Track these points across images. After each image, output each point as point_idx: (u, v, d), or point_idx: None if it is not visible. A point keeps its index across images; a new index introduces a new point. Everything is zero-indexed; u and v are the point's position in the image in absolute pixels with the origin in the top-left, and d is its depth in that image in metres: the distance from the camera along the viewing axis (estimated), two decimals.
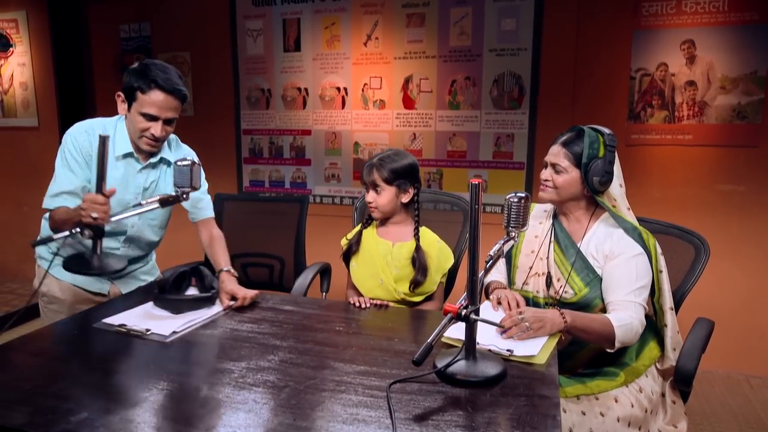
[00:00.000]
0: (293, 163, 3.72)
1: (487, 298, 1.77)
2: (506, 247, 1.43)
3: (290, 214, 2.50)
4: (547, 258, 1.74)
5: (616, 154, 1.64)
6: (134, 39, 3.94)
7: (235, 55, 3.71)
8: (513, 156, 3.25)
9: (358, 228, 2.04)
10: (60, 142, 1.81)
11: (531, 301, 1.73)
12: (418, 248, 1.89)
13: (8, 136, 4.40)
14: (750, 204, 2.93)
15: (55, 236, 1.52)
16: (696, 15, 2.85)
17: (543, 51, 3.10)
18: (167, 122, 1.78)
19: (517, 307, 1.57)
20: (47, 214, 1.92)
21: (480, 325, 1.32)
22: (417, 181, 1.94)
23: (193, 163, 1.62)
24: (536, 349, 1.40)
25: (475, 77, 3.24)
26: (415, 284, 1.87)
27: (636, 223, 1.67)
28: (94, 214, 1.49)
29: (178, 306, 1.69)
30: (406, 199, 1.92)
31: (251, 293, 1.79)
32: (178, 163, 1.61)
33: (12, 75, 4.30)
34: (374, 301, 1.83)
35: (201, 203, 2.00)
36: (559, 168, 1.67)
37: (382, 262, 1.91)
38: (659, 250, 1.66)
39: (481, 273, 1.33)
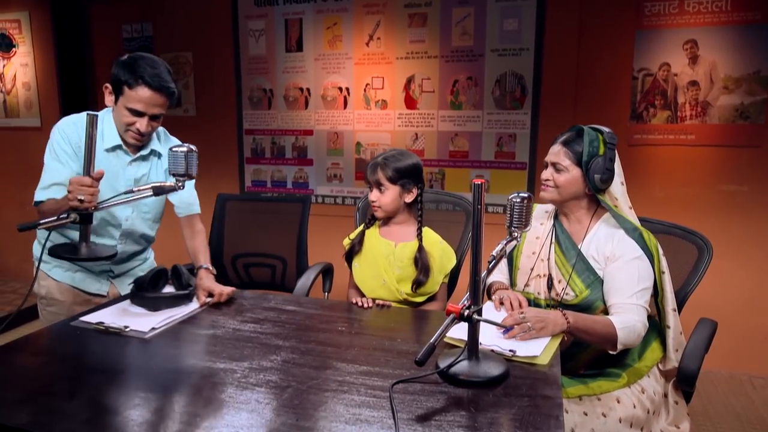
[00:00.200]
0: (295, 163, 3.72)
1: (489, 298, 1.77)
2: (509, 248, 1.43)
3: (292, 214, 2.50)
4: (548, 259, 1.74)
5: (616, 152, 1.64)
6: (137, 39, 3.94)
7: (237, 55, 3.71)
8: (515, 156, 3.24)
9: (360, 228, 2.04)
10: None
11: (532, 303, 1.73)
12: (420, 248, 1.89)
13: (11, 137, 4.41)
14: (753, 204, 2.92)
15: (41, 221, 1.45)
16: (699, 15, 2.85)
17: (545, 51, 3.10)
18: (153, 118, 1.77)
19: (519, 308, 1.58)
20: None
21: (483, 326, 1.32)
22: (421, 182, 1.93)
23: (189, 149, 1.56)
24: (539, 349, 1.40)
25: (478, 77, 3.24)
26: (418, 284, 1.87)
27: (637, 223, 1.67)
28: (81, 196, 1.45)
29: (155, 303, 1.71)
30: (409, 198, 1.92)
31: (227, 290, 1.81)
32: (173, 149, 1.55)
33: (15, 75, 4.31)
34: (377, 302, 1.83)
35: (190, 198, 1.99)
36: (560, 167, 1.67)
37: (384, 262, 1.91)
38: (661, 251, 1.66)
39: (483, 273, 1.33)
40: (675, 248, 1.83)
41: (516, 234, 1.41)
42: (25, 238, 2.04)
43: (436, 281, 1.91)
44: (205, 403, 1.18)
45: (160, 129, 1.93)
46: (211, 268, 1.89)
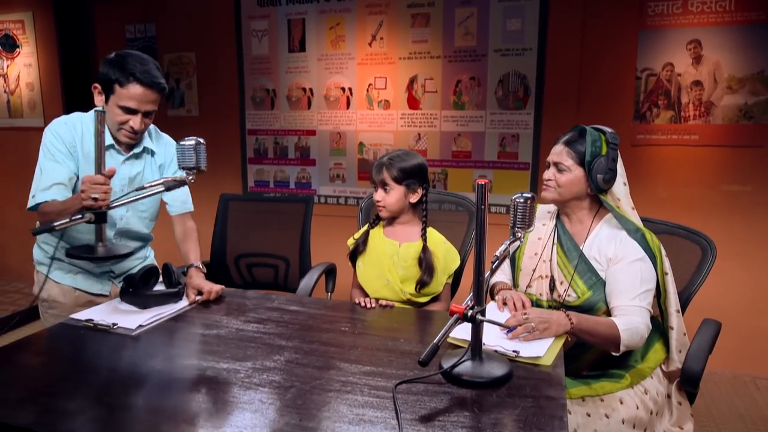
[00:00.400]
0: (298, 163, 3.72)
1: (492, 299, 1.77)
2: (512, 248, 1.43)
3: (295, 214, 2.50)
4: (550, 260, 1.73)
5: (618, 152, 1.63)
6: (140, 39, 3.95)
7: (240, 55, 3.72)
8: (518, 156, 3.24)
9: (365, 228, 2.04)
10: None
11: (534, 304, 1.72)
12: (425, 249, 1.89)
13: (14, 137, 4.42)
14: (756, 204, 2.91)
15: (56, 223, 1.45)
16: (702, 15, 2.84)
17: (548, 51, 3.09)
18: (146, 115, 1.77)
19: (522, 308, 1.57)
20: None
21: (486, 326, 1.32)
22: (426, 182, 1.93)
23: (198, 141, 1.54)
24: (542, 350, 1.40)
25: (480, 77, 3.24)
26: (422, 285, 1.87)
27: (640, 223, 1.66)
28: (95, 195, 1.44)
29: (144, 301, 1.72)
30: (414, 199, 1.92)
31: (216, 287, 1.82)
32: (182, 143, 1.54)
33: (18, 76, 4.32)
34: (380, 302, 1.83)
35: (183, 195, 1.99)
36: (563, 167, 1.66)
37: (388, 262, 1.91)
38: (664, 252, 1.65)
39: (486, 273, 1.33)
40: (679, 249, 1.82)
41: (519, 234, 1.41)
42: (28, 239, 2.04)
43: (439, 282, 1.91)
44: (208, 402, 1.18)
45: (151, 126, 1.93)
46: (201, 266, 1.89)
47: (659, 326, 1.72)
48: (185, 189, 2.00)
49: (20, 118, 4.37)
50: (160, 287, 1.83)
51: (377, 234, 1.99)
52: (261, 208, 2.69)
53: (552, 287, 1.71)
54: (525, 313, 1.49)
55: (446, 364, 1.29)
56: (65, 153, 1.76)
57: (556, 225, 1.77)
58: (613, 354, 1.57)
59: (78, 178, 1.79)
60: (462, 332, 1.41)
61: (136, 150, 1.88)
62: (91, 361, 1.43)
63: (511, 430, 1.09)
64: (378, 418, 1.12)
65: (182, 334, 1.58)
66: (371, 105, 3.48)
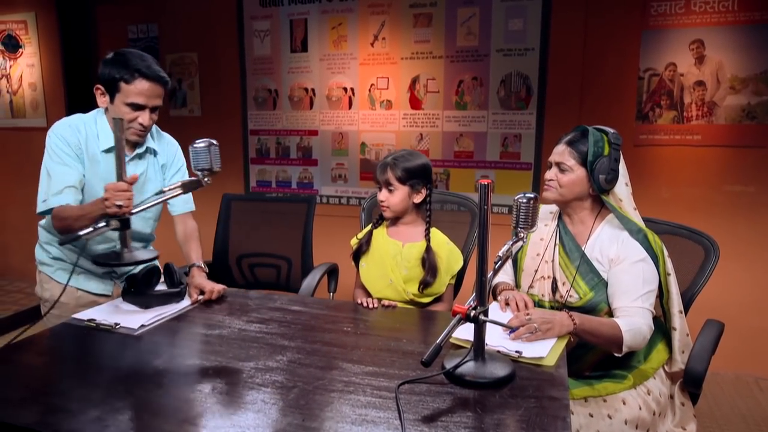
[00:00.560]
0: (300, 163, 3.72)
1: (495, 299, 1.77)
2: (515, 248, 1.43)
3: (297, 214, 2.50)
4: (552, 261, 1.73)
5: (621, 152, 1.63)
6: (142, 39, 3.95)
7: (242, 55, 3.72)
8: (520, 156, 3.24)
9: (368, 228, 2.04)
10: None
11: (537, 305, 1.72)
12: (428, 249, 1.88)
13: (17, 137, 4.43)
14: (759, 205, 2.91)
15: (82, 232, 1.43)
16: (705, 14, 2.83)
17: (550, 51, 3.09)
18: (153, 110, 1.78)
19: (525, 309, 1.57)
20: (43, 221, 1.90)
21: (489, 326, 1.32)
22: (430, 182, 1.93)
23: (210, 143, 1.56)
24: (545, 350, 1.40)
25: (483, 77, 3.24)
26: (425, 285, 1.87)
27: (642, 224, 1.66)
28: (119, 202, 1.45)
29: (146, 301, 1.72)
30: (418, 199, 1.92)
31: (218, 287, 1.82)
32: (194, 145, 1.56)
33: (21, 76, 4.33)
34: (382, 302, 1.83)
35: (185, 195, 1.99)
36: (565, 167, 1.66)
37: (391, 262, 1.91)
38: (666, 253, 1.65)
39: (489, 274, 1.33)
40: (681, 249, 1.82)
41: (522, 235, 1.41)
42: (30, 238, 2.04)
43: (442, 282, 1.91)
44: (211, 402, 1.19)
45: (153, 127, 1.93)
46: (203, 266, 1.89)
47: (662, 327, 1.72)
48: None
49: (23, 119, 4.38)
50: (162, 287, 1.83)
51: (380, 234, 1.99)
52: (263, 208, 2.69)
53: (554, 288, 1.71)
54: (528, 314, 1.49)
55: (449, 365, 1.29)
56: (72, 156, 1.77)
57: (557, 225, 1.77)
58: (616, 355, 1.57)
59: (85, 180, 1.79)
60: (465, 333, 1.41)
61: (139, 150, 1.89)
62: (93, 360, 1.43)
63: (513, 431, 1.09)
64: (381, 418, 1.12)
65: (184, 333, 1.58)
66: (373, 105, 3.48)
